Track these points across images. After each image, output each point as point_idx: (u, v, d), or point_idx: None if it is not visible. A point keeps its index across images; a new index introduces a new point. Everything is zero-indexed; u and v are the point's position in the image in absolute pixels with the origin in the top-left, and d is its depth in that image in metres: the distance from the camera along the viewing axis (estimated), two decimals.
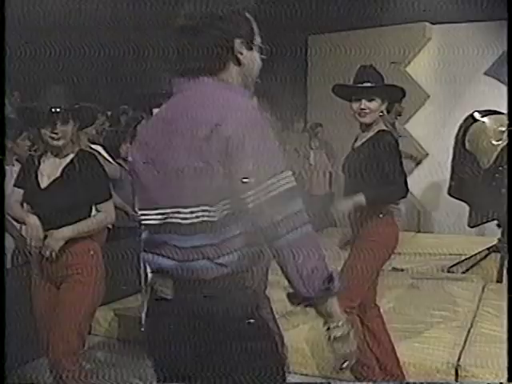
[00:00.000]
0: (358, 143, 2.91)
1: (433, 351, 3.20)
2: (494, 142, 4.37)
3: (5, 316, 2.31)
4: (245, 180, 1.34)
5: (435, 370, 3.05)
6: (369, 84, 2.78)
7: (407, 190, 2.76)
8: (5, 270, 2.08)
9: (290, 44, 7.30)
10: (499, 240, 4.95)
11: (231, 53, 1.48)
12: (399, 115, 5.64)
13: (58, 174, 2.55)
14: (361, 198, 2.69)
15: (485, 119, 4.57)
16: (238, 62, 1.50)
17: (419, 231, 7.30)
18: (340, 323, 1.39)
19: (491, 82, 6.91)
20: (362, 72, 2.87)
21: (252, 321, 1.44)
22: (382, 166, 2.73)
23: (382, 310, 2.99)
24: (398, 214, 2.97)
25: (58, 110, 2.47)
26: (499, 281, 4.69)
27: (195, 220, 1.40)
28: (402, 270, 5.04)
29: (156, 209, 1.47)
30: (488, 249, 5.16)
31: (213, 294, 1.42)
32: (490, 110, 4.66)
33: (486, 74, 7.07)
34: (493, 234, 5.25)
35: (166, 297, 1.48)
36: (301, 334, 3.40)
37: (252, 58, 1.53)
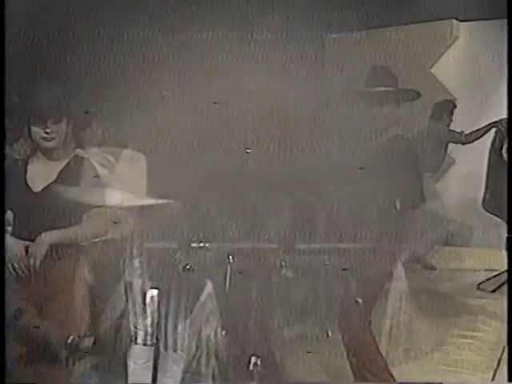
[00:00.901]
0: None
1: (461, 375, 3.13)
2: None
3: (5, 316, 2.30)
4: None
5: None
6: (380, 88, 2.72)
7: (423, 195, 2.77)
8: (5, 270, 2.10)
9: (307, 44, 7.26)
10: None
11: None
12: (448, 126, 5.55)
13: (55, 178, 2.53)
14: None
15: None
16: None
17: (446, 244, 7.17)
18: None
19: None
20: (373, 74, 2.80)
21: None
22: (398, 172, 2.66)
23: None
24: None
25: (49, 107, 2.45)
26: None
27: None
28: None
29: None
30: None
31: None
32: None
33: None
34: None
35: None
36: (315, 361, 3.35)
37: None
